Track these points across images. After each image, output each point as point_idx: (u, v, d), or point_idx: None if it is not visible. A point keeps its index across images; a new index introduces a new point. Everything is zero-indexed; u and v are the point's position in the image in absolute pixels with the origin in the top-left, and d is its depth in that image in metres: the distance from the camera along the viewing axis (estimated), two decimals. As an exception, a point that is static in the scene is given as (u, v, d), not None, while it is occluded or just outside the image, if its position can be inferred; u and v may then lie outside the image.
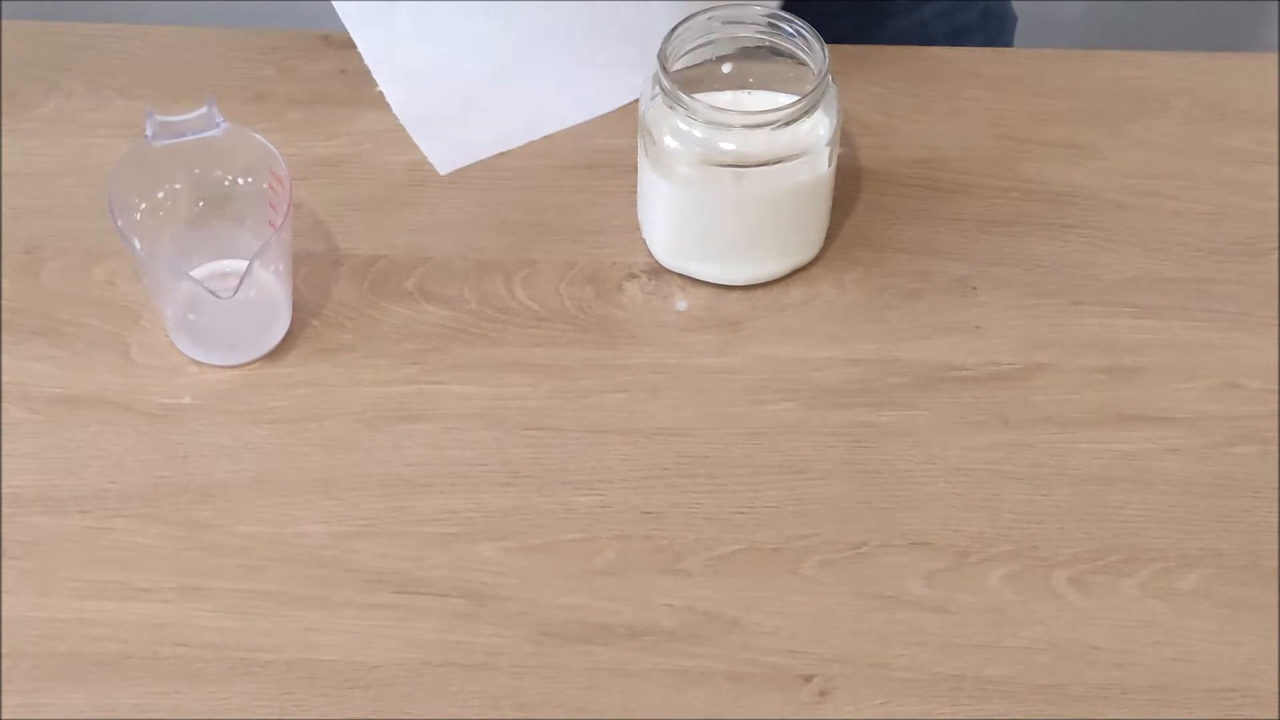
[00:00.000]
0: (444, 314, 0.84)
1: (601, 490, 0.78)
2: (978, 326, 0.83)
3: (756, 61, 0.82)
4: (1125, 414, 0.80)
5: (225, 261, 0.82)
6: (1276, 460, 0.79)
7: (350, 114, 0.92)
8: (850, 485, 0.78)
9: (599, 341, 0.83)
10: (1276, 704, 0.72)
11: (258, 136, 0.80)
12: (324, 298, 0.84)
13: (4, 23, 0.95)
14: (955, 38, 1.05)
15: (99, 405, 0.80)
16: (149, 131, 0.78)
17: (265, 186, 0.80)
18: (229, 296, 0.76)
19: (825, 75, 0.79)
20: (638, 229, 0.85)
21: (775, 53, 0.81)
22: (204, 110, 0.79)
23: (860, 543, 0.76)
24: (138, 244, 0.78)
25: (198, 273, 0.81)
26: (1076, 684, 0.72)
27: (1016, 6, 1.20)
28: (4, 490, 0.77)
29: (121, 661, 0.73)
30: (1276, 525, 0.77)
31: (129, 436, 0.79)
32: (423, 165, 0.90)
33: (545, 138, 0.90)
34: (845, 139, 0.88)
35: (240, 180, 0.81)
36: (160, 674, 0.72)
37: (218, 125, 0.79)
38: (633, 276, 0.84)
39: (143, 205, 0.80)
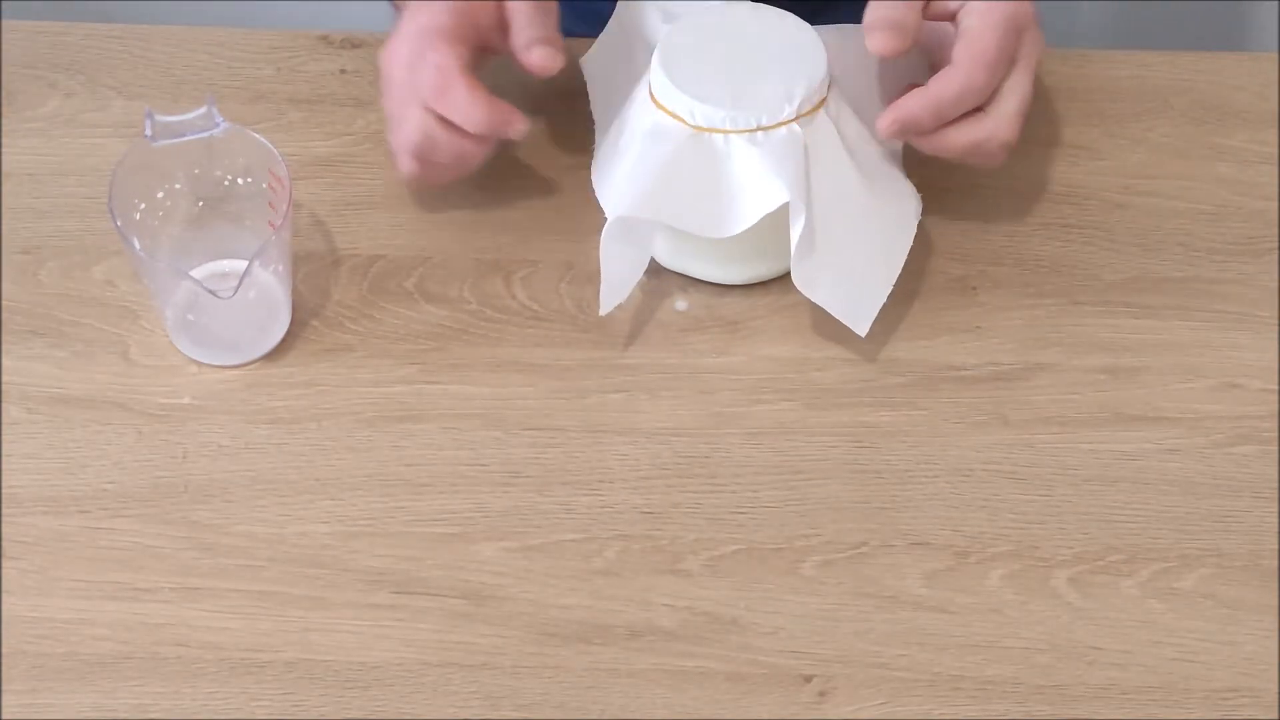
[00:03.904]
0: (444, 314, 0.84)
1: (601, 490, 0.78)
2: (978, 326, 0.83)
3: None
4: (1125, 414, 0.80)
5: (225, 261, 0.82)
6: (1276, 460, 0.79)
7: (350, 114, 0.92)
8: (850, 485, 0.78)
9: (599, 341, 0.83)
10: (1276, 704, 0.72)
11: (258, 136, 0.80)
12: (324, 298, 0.84)
13: (4, 23, 0.95)
14: None
15: (99, 405, 0.80)
16: (149, 131, 0.78)
17: (265, 186, 0.80)
18: (229, 297, 0.76)
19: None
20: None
21: None
22: (204, 110, 0.79)
23: (860, 543, 0.76)
24: (137, 244, 0.78)
25: (198, 273, 0.81)
26: (1076, 684, 0.72)
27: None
28: (4, 490, 0.77)
29: (121, 661, 0.73)
30: (1276, 525, 0.77)
31: (128, 436, 0.79)
32: (423, 165, 0.90)
33: (549, 136, 0.90)
34: (845, 139, 0.88)
35: (240, 180, 0.81)
36: (160, 674, 0.72)
37: (218, 125, 0.79)
38: (633, 276, 0.84)
39: (143, 205, 0.80)
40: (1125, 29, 1.73)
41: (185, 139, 0.79)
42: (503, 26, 0.82)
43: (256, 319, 0.82)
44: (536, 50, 0.80)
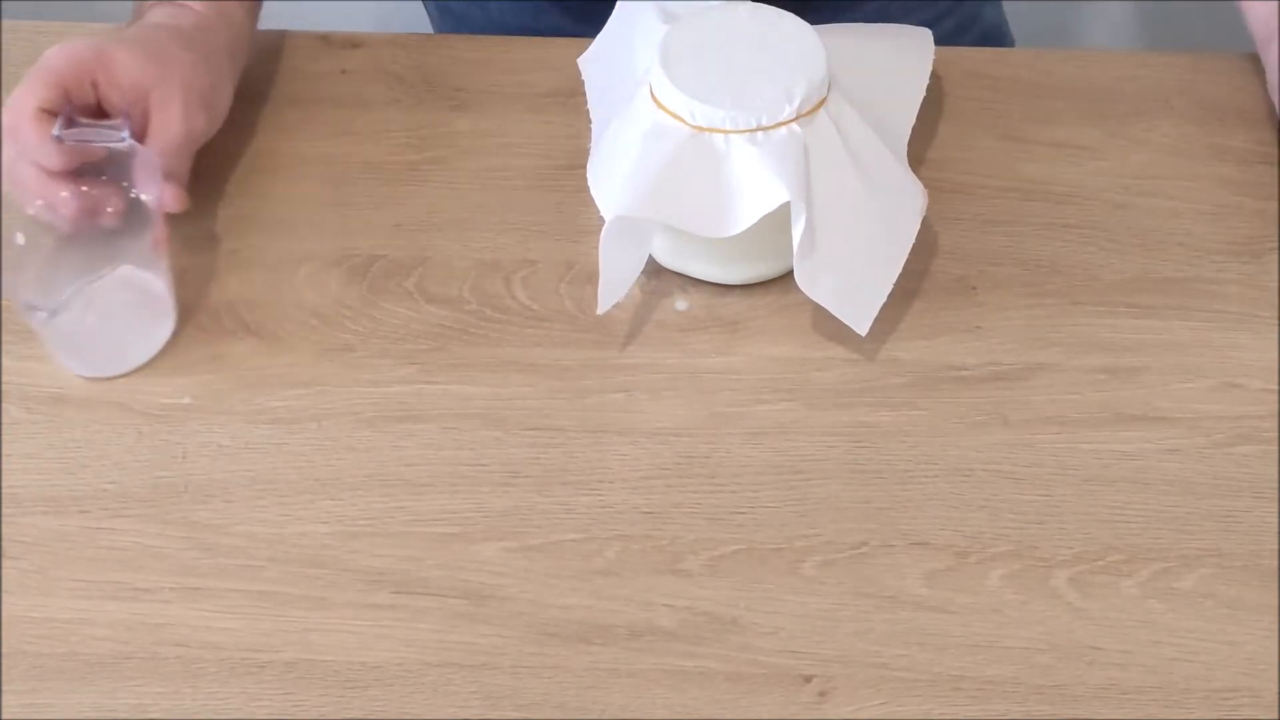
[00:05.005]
0: (444, 314, 0.84)
1: (601, 490, 0.78)
2: (978, 326, 0.83)
3: None
4: (1125, 414, 0.80)
5: (124, 267, 0.81)
6: (1276, 460, 0.79)
7: (350, 114, 0.92)
8: (850, 485, 0.78)
9: (599, 341, 0.83)
10: (1276, 704, 0.72)
11: (145, 151, 0.80)
12: (324, 298, 0.84)
13: (4, 23, 0.95)
14: None
15: (99, 405, 0.80)
16: (57, 130, 0.78)
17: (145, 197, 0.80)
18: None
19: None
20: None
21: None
22: (118, 122, 0.79)
23: (860, 543, 0.76)
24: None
25: (99, 282, 0.81)
26: (1076, 684, 0.72)
27: (1018, 8, 1.20)
28: (4, 490, 0.77)
29: (121, 661, 0.73)
30: (1276, 525, 0.77)
31: (129, 436, 0.79)
32: (423, 165, 0.90)
33: (549, 136, 0.91)
34: (845, 139, 0.88)
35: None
36: (160, 674, 0.72)
37: (123, 140, 0.79)
38: (633, 276, 0.84)
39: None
40: (1127, 29, 1.73)
41: (91, 145, 0.79)
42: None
43: (133, 323, 0.81)
44: (171, 189, 0.81)
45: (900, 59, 0.88)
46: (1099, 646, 0.73)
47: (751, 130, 0.78)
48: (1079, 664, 0.73)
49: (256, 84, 0.93)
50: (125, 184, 0.80)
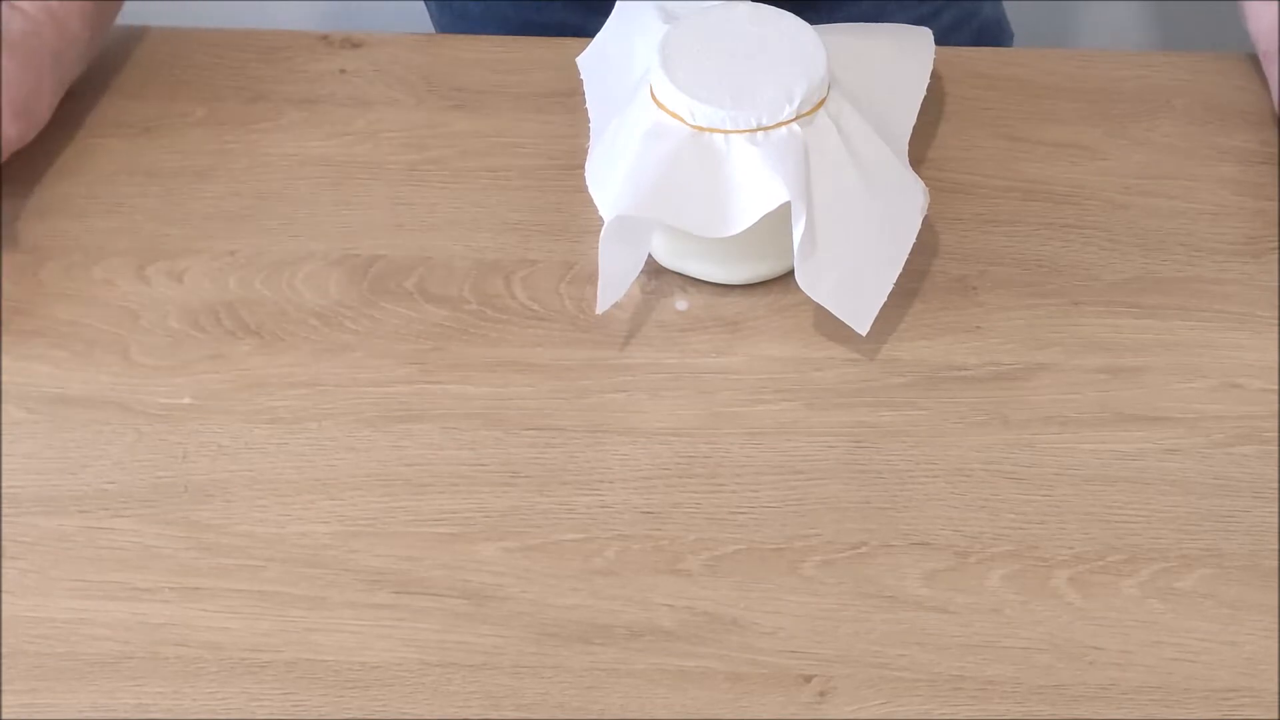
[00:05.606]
0: (444, 314, 0.84)
1: (601, 490, 0.78)
2: (978, 326, 0.83)
3: None
4: (1125, 414, 0.80)
5: None
6: (1276, 460, 0.79)
7: (350, 114, 0.92)
8: (850, 485, 0.78)
9: (599, 341, 0.83)
10: (1277, 704, 0.72)
11: None
12: (324, 298, 0.84)
13: (4, 23, 0.95)
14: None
15: (99, 405, 0.80)
16: None
17: None
18: None
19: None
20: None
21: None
22: None
23: (860, 543, 0.76)
24: None
25: None
26: (1076, 684, 0.72)
27: (1018, 8, 1.20)
28: (4, 490, 0.77)
29: (121, 661, 0.73)
30: (1276, 525, 0.77)
31: (129, 436, 0.79)
32: (422, 165, 0.90)
33: (549, 136, 0.91)
34: (845, 139, 0.87)
35: None
36: (160, 674, 0.72)
37: None
38: (633, 276, 0.84)
39: None
40: (1127, 29, 1.73)
41: None
42: None
43: None
44: None
45: (901, 58, 0.88)
46: (1099, 646, 0.73)
47: (751, 130, 0.78)
48: (1079, 664, 0.73)
49: (257, 84, 0.93)
50: None
